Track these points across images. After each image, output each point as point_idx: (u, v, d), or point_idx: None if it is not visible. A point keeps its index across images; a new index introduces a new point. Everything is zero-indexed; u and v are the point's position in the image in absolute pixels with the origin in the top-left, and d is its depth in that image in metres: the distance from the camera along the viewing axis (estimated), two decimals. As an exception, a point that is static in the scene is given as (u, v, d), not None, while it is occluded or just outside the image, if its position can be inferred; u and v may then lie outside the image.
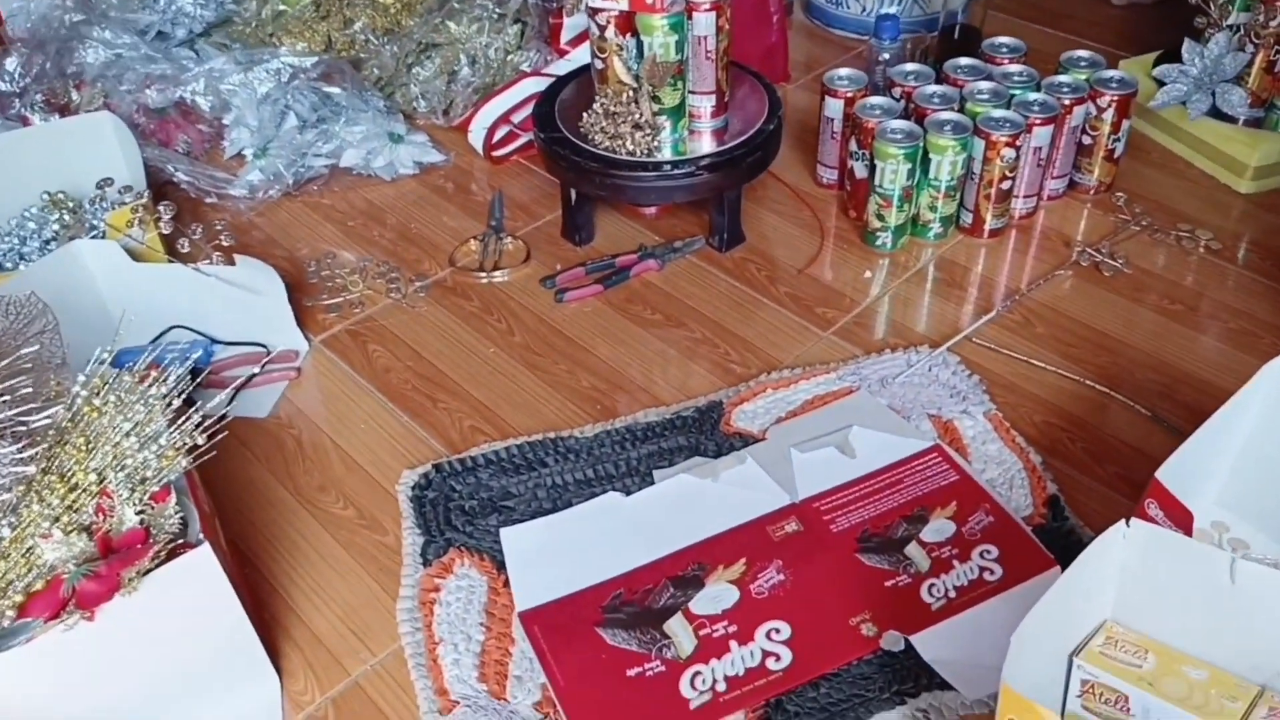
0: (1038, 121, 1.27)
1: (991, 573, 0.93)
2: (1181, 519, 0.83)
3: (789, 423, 1.09)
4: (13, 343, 0.91)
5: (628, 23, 1.19)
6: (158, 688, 0.83)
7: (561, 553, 0.97)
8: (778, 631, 0.89)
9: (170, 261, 1.18)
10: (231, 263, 1.16)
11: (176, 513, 0.83)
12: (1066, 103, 1.30)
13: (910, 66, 1.38)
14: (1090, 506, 1.00)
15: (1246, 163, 1.38)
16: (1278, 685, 0.75)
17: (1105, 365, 1.15)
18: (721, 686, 0.85)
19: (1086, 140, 1.35)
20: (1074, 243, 1.33)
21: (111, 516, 0.81)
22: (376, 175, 1.49)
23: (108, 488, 0.82)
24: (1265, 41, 1.36)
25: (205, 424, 0.85)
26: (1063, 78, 1.34)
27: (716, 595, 0.92)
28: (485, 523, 1.00)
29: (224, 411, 0.93)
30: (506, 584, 0.95)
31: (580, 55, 1.52)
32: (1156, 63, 1.49)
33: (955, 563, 0.94)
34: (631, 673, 0.87)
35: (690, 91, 1.26)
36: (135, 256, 1.17)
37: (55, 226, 1.27)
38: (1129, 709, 0.76)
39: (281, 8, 1.70)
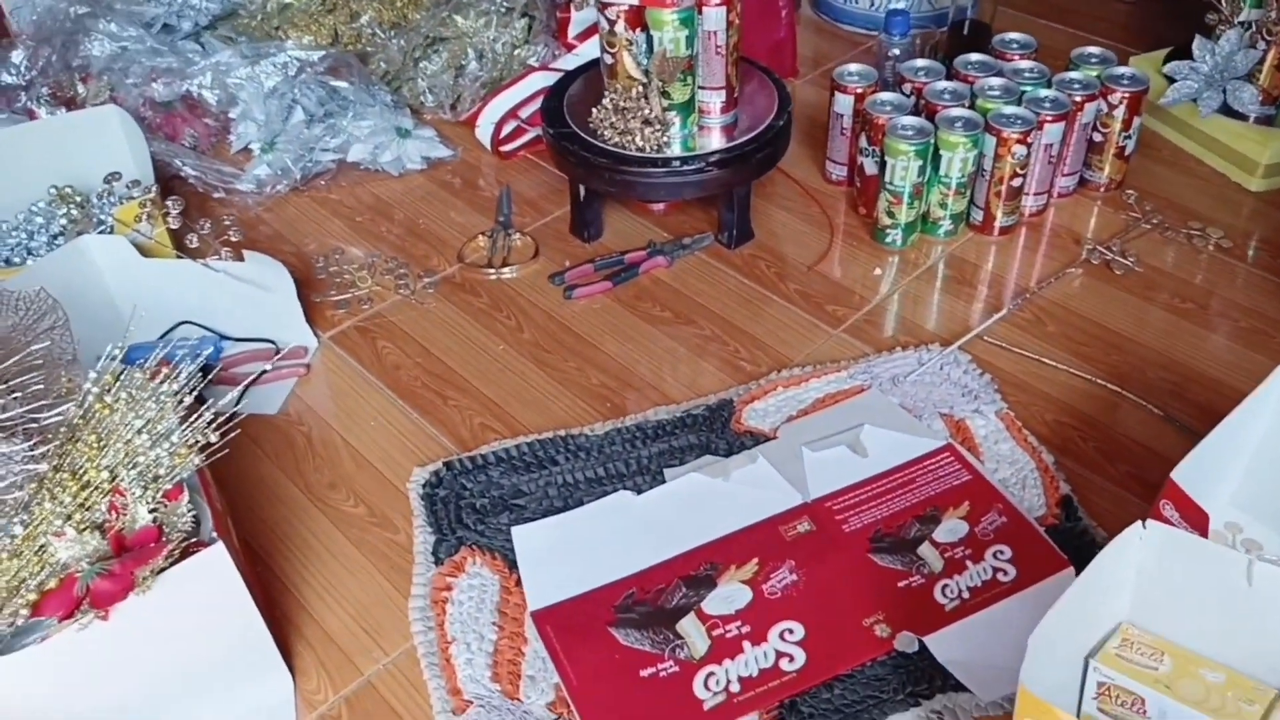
0: (1049, 118, 1.27)
1: (1005, 573, 0.92)
2: (1197, 520, 0.83)
3: (800, 421, 1.08)
4: (23, 339, 0.91)
5: (638, 17, 1.19)
6: (170, 686, 0.83)
7: (573, 551, 0.97)
8: (791, 632, 0.89)
9: (179, 257, 1.17)
10: (240, 258, 1.16)
11: (189, 511, 0.83)
12: (1078, 99, 1.30)
13: (921, 62, 1.37)
14: (1102, 506, 1.00)
15: (1257, 160, 1.38)
16: (1294, 688, 0.75)
17: (1116, 364, 1.15)
18: (735, 687, 0.85)
19: (1097, 137, 1.35)
20: (1084, 240, 1.32)
21: (125, 514, 0.81)
22: (384, 170, 1.48)
23: (120, 485, 0.82)
24: (1277, 39, 1.36)
25: (218, 421, 0.85)
26: (1074, 74, 1.33)
27: (729, 595, 0.92)
28: (496, 521, 1.00)
29: (236, 409, 0.92)
30: (519, 583, 0.94)
31: (587, 50, 1.52)
32: (1167, 59, 1.48)
33: (968, 563, 0.93)
34: (645, 673, 0.87)
35: (700, 87, 1.25)
36: (143, 252, 1.16)
37: (63, 221, 1.27)
38: (1145, 712, 0.76)
39: (288, 1, 1.70)
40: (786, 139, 1.30)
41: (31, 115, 1.51)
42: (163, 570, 0.77)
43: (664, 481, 1.03)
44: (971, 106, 1.28)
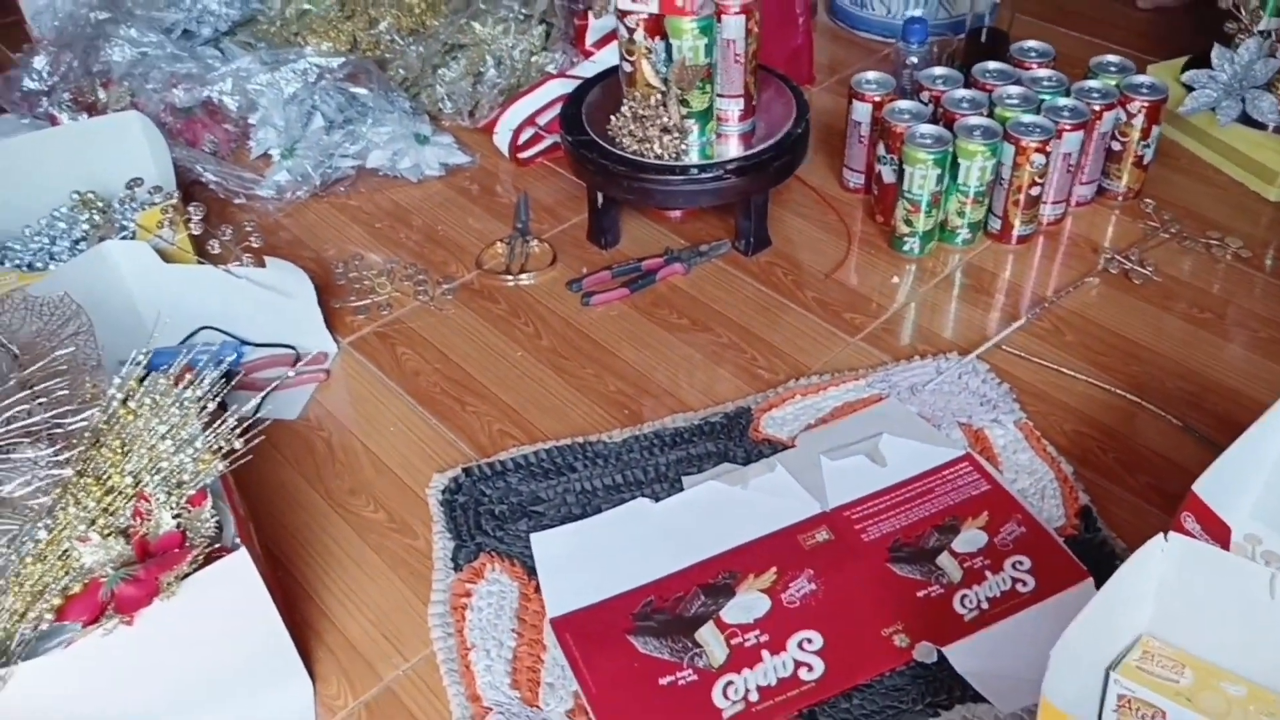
0: (1068, 127, 1.27)
1: (1024, 584, 0.92)
2: (1219, 533, 0.83)
3: (818, 430, 1.08)
4: (48, 344, 0.92)
5: (657, 26, 1.19)
6: (192, 691, 0.83)
7: (592, 559, 0.97)
8: (810, 641, 0.89)
9: (200, 263, 1.18)
10: (261, 264, 1.16)
11: (212, 516, 0.84)
12: (1096, 108, 1.30)
13: (939, 70, 1.37)
14: (1121, 517, 1.00)
15: (1276, 170, 1.37)
16: (1317, 702, 0.75)
17: (1135, 374, 1.15)
18: (754, 697, 0.85)
19: (1116, 146, 1.35)
20: (1102, 249, 1.32)
21: (149, 520, 0.81)
22: (402, 176, 1.49)
23: (144, 491, 0.83)
24: (1297, 48, 1.36)
25: (241, 428, 0.86)
26: (1092, 83, 1.33)
27: (748, 604, 0.92)
28: (515, 528, 1.00)
29: (260, 416, 0.93)
30: (537, 590, 0.95)
31: (605, 57, 1.52)
32: (1185, 68, 1.48)
33: (987, 573, 0.93)
34: (664, 681, 0.87)
35: (718, 95, 1.26)
36: (165, 257, 1.17)
37: (85, 226, 1.27)
38: (1166, 724, 0.76)
39: (306, 7, 1.71)
40: (804, 147, 1.30)
41: (53, 120, 1.52)
42: (187, 576, 0.78)
43: (682, 489, 1.03)
44: (990, 115, 1.28)
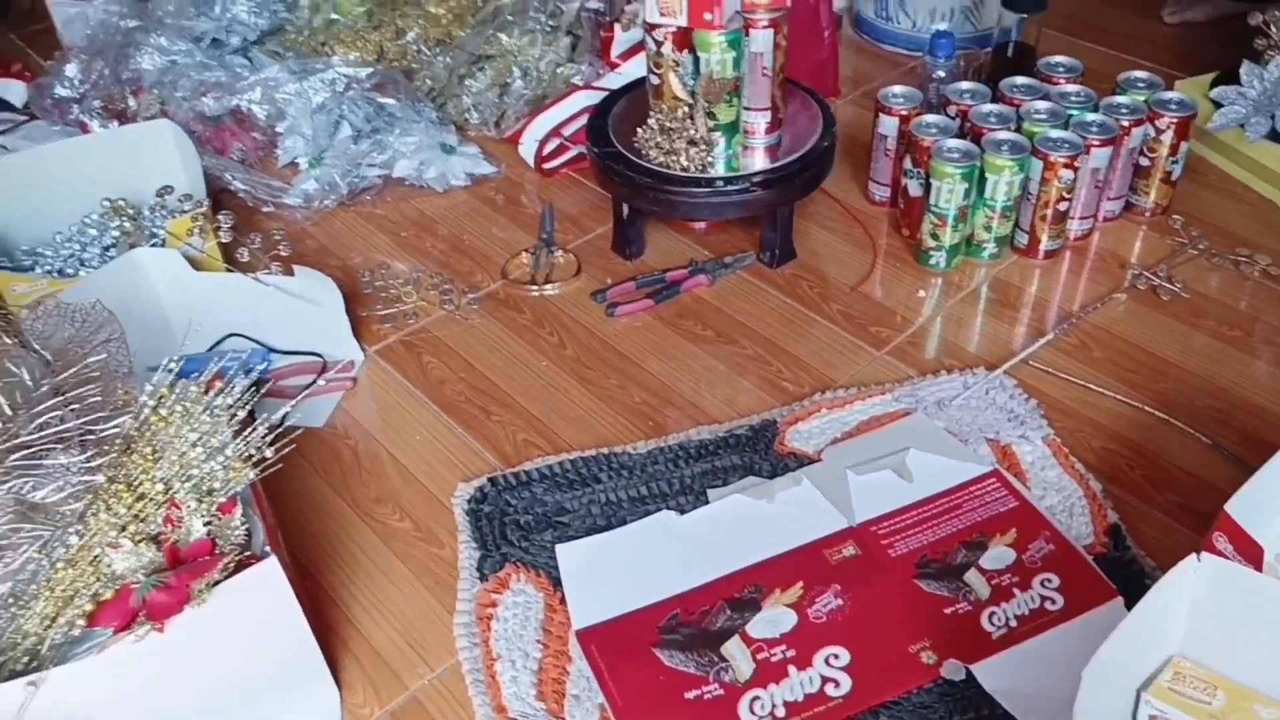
0: (1096, 143, 1.26)
1: (1053, 602, 0.92)
2: (1251, 553, 0.82)
3: (845, 444, 1.08)
4: (80, 350, 0.93)
5: (685, 39, 1.19)
6: (220, 699, 0.83)
7: (617, 571, 0.97)
8: (836, 657, 0.88)
9: (229, 270, 1.19)
10: (290, 273, 1.17)
11: (242, 524, 0.84)
12: (1125, 124, 1.29)
13: (966, 85, 1.37)
14: (1150, 535, 0.99)
15: (1306, 187, 1.37)
16: (1351, 726, 0.74)
17: (1164, 391, 1.14)
18: (781, 712, 0.85)
19: (1144, 162, 1.34)
20: (1130, 265, 1.31)
21: (180, 527, 0.82)
22: (429, 186, 1.49)
23: (175, 498, 0.83)
24: (1328, 65, 1.35)
25: (272, 436, 0.86)
26: (1121, 98, 1.33)
27: (774, 619, 0.92)
28: (540, 538, 1.01)
29: (289, 424, 0.93)
30: (563, 601, 0.95)
31: (631, 69, 1.53)
32: (1214, 84, 1.47)
33: (1016, 591, 0.93)
34: (690, 695, 0.87)
35: (745, 108, 1.26)
36: (195, 265, 1.18)
37: (115, 233, 1.29)
38: (1198, 746, 0.75)
39: (334, 17, 1.72)
40: (830, 160, 1.30)
41: (84, 127, 1.53)
42: (217, 583, 0.78)
43: (707, 502, 1.03)
44: (1017, 130, 1.28)
